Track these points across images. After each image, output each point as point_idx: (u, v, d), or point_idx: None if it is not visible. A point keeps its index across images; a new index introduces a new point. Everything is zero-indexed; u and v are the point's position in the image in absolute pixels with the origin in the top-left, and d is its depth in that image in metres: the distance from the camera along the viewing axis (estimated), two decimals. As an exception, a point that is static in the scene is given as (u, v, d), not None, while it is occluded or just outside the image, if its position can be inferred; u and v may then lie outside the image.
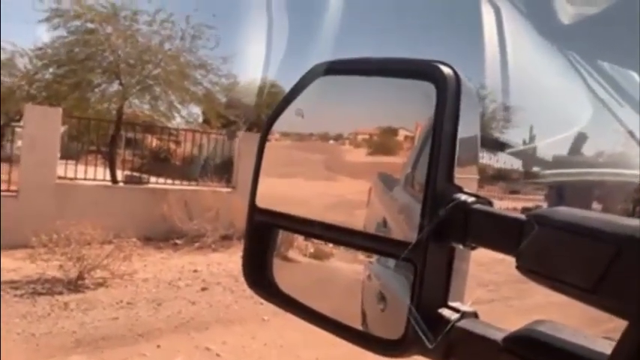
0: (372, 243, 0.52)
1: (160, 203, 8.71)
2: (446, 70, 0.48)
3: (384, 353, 0.48)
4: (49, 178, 8.13)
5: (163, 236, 8.75)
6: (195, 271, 7.18)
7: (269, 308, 5.77)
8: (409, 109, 0.54)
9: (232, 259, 7.97)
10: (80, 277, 6.10)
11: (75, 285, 6.01)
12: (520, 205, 15.43)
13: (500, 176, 19.08)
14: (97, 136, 11.31)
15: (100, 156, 12.08)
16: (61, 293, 5.80)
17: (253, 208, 0.61)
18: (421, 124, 0.50)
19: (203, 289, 6.41)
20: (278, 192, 0.63)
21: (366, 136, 0.57)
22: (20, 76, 14.11)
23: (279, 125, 0.62)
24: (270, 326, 5.29)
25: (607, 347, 0.37)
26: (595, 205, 11.52)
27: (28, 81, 13.92)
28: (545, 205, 14.51)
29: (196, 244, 8.56)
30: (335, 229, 0.54)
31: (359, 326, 0.53)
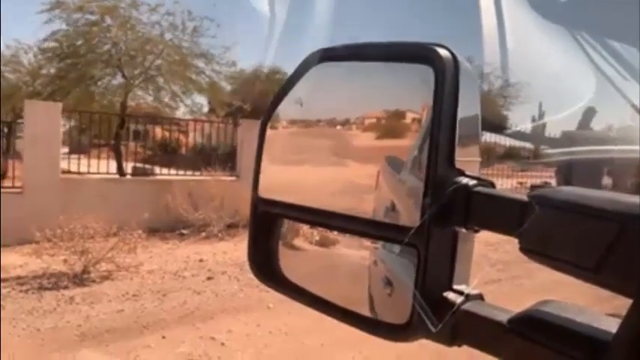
0: (376, 229, 0.52)
1: (166, 194, 8.70)
2: (443, 52, 0.47)
3: (391, 338, 0.48)
4: (53, 174, 8.14)
5: (169, 227, 8.76)
6: (200, 260, 7.18)
7: (274, 296, 5.74)
8: (412, 93, 0.53)
9: (238, 248, 7.96)
10: (85, 270, 6.11)
11: (80, 279, 6.03)
12: (530, 182, 15.26)
13: (509, 154, 18.91)
14: (104, 129, 11.29)
15: (108, 149, 12.08)
16: (66, 287, 5.82)
17: (257, 198, 0.61)
18: (428, 106, 0.49)
19: (209, 278, 6.40)
20: (281, 181, 0.63)
21: (372, 120, 0.56)
22: (25, 72, 14.17)
23: (280, 114, 0.61)
24: (276, 314, 5.26)
25: (612, 325, 0.37)
26: (605, 181, 11.31)
27: (32, 77, 13.96)
28: (553, 182, 14.36)
29: (202, 234, 8.55)
30: (339, 217, 0.54)
31: (366, 312, 0.52)
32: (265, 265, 0.62)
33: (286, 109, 0.60)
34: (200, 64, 13.43)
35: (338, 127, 0.58)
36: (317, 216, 0.56)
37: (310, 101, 0.60)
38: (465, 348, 0.45)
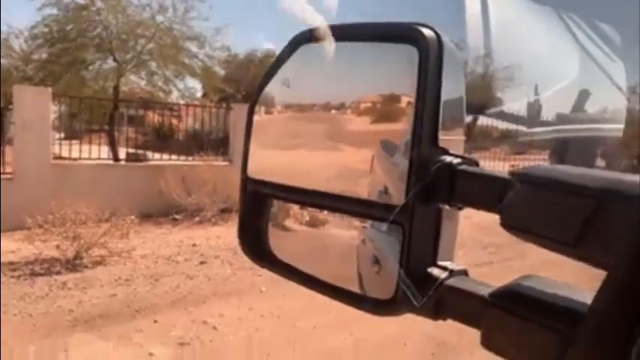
0: (364, 208, 0.53)
1: (159, 179, 8.66)
2: (427, 32, 0.47)
3: (377, 312, 0.50)
4: (44, 159, 8.08)
5: (163, 212, 8.74)
6: (194, 245, 7.18)
7: (267, 279, 5.78)
8: (399, 74, 0.53)
9: (231, 232, 7.91)
10: (78, 256, 6.10)
11: (73, 264, 6.02)
12: (524, 164, 15.30)
13: (504, 137, 18.93)
14: (98, 114, 11.19)
15: (103, 134, 11.99)
16: (59, 273, 5.81)
17: (246, 178, 0.62)
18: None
19: (201, 262, 6.41)
20: (270, 162, 0.64)
21: (359, 102, 0.56)
22: (16, 58, 13.97)
23: (267, 95, 0.62)
24: (268, 297, 5.28)
25: (589, 297, 0.37)
26: (599, 162, 11.38)
27: (24, 62, 13.77)
28: (548, 163, 14.41)
29: (196, 219, 8.54)
30: (327, 197, 0.55)
31: (356, 289, 0.54)
32: (255, 244, 0.63)
33: (273, 90, 0.61)
34: (192, 47, 13.30)
35: (325, 109, 0.59)
36: (306, 196, 0.57)
37: (297, 82, 0.61)
38: (451, 323, 0.46)
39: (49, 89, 8.50)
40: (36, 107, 7.96)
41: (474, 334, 0.43)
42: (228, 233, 7.89)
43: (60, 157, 8.72)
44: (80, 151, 9.29)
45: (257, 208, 0.62)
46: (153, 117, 15.98)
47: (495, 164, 14.08)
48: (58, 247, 6.00)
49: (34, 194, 7.37)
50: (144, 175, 9.02)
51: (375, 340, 4.22)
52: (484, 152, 15.28)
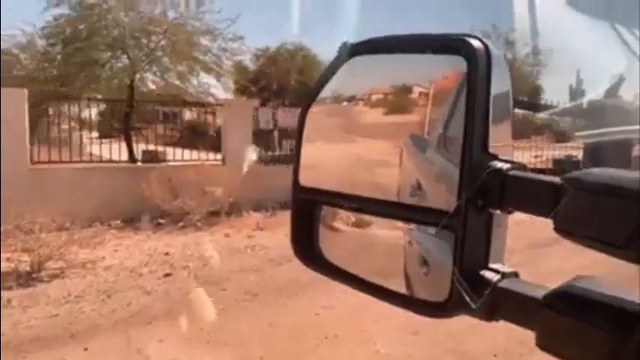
0: (411, 213, 0.54)
1: (142, 182, 8.21)
2: (475, 42, 0.49)
3: (431, 315, 0.51)
4: (20, 164, 7.73)
5: (149, 216, 8.29)
6: (166, 254, 6.65)
7: (229, 297, 5.20)
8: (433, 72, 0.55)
9: (213, 239, 7.44)
10: (37, 269, 5.68)
11: (28, 278, 5.60)
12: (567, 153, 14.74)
13: (546, 125, 18.58)
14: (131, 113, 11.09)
15: (134, 133, 11.76)
16: (9, 288, 5.39)
17: (297, 186, 0.63)
18: (435, 81, 0.54)
19: (166, 275, 5.87)
20: (321, 169, 0.65)
21: (396, 102, 0.59)
22: (41, 59, 13.83)
23: (317, 105, 0.63)
24: (224, 316, 4.71)
25: None
26: (634, 160, 10.60)
27: (48, 63, 13.60)
28: (580, 155, 13.80)
29: (180, 224, 8.05)
30: (373, 202, 0.56)
31: (403, 290, 0.55)
32: (307, 249, 0.64)
33: (324, 99, 0.63)
34: (206, 42, 12.80)
35: (372, 116, 0.61)
36: (354, 202, 0.58)
37: (345, 94, 0.63)
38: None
39: (25, 91, 8.12)
40: (11, 109, 7.61)
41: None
42: (209, 240, 7.36)
43: (39, 162, 8.35)
44: (100, 149, 9.03)
45: (307, 215, 0.64)
46: (187, 114, 15.63)
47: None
48: (8, 259, 5.58)
49: (5, 201, 7.00)
50: (132, 177, 8.58)
51: None
52: (523, 141, 14.89)
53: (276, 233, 7.80)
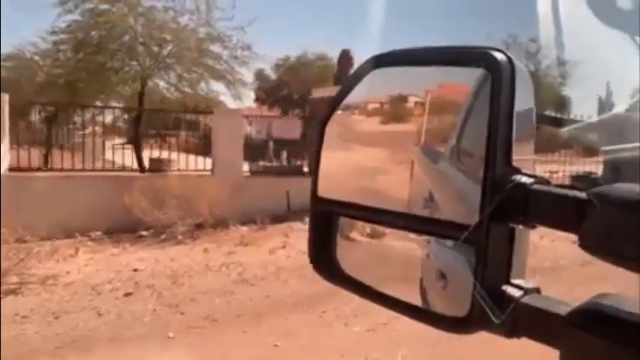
0: (430, 226, 0.53)
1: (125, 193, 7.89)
2: (499, 55, 0.48)
3: (452, 330, 0.49)
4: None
5: (131, 228, 7.96)
6: (135, 270, 6.27)
7: (183, 323, 4.75)
8: (471, 97, 0.53)
9: (191, 253, 7.06)
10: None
11: (-20, 294, 5.29)
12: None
13: (572, 139, 17.84)
14: (155, 119, 10.87)
15: (159, 139, 11.79)
16: (-42, 305, 5.08)
17: (315, 197, 0.62)
18: (431, 91, 0.54)
19: (126, 294, 5.48)
20: (339, 180, 0.63)
21: (413, 116, 0.59)
22: (58, 65, 13.81)
23: (336, 118, 0.62)
24: (170, 346, 4.28)
25: None
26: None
27: (66, 68, 13.57)
28: (599, 171, 13.04)
29: (162, 236, 7.70)
30: (392, 214, 0.55)
31: (419, 303, 0.53)
32: (324, 260, 0.63)
33: (344, 110, 0.62)
34: (217, 48, 12.54)
35: (395, 131, 0.60)
36: (372, 214, 0.57)
37: (365, 105, 0.63)
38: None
39: (7, 96, 7.91)
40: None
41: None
42: (185, 255, 6.98)
43: (18, 169, 8.12)
44: (123, 156, 8.88)
45: (325, 227, 0.62)
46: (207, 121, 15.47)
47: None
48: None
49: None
50: (124, 186, 8.23)
51: None
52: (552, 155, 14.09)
53: (260, 249, 7.38)
